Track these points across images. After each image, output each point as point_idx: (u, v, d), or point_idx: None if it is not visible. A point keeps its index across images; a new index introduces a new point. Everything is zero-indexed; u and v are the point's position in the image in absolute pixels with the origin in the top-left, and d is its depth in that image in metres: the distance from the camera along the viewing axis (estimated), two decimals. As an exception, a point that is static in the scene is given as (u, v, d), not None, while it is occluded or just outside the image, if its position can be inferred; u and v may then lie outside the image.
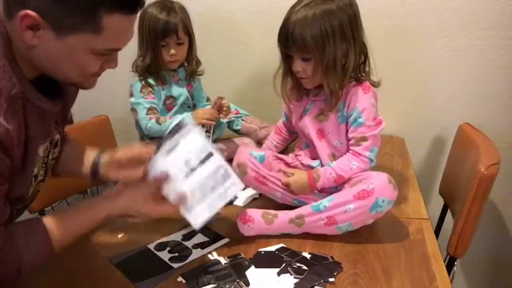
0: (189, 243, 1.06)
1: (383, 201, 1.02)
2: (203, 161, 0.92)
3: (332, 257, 0.99)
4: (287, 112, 1.32)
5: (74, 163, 1.06)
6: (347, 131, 1.15)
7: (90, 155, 1.07)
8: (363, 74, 1.14)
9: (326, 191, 1.15)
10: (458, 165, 1.47)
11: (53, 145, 0.93)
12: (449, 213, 1.51)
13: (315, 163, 1.20)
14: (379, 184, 1.03)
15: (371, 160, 1.13)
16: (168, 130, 0.97)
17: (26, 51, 0.77)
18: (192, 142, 0.93)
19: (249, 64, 1.80)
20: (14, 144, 0.74)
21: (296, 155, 1.27)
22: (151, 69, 1.49)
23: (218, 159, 0.92)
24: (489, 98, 1.69)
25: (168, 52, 1.46)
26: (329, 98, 1.12)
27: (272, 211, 1.09)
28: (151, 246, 1.06)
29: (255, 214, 1.08)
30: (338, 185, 1.14)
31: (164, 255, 1.02)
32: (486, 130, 1.42)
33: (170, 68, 1.51)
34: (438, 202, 1.61)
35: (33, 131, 0.81)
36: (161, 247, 1.05)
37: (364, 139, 1.12)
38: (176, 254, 1.02)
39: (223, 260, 0.98)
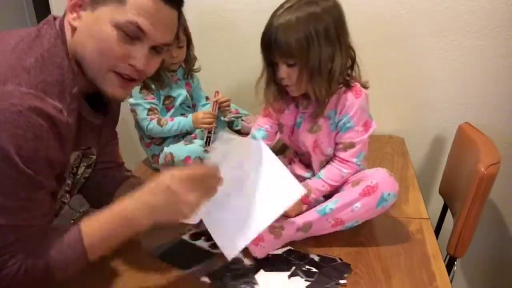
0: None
1: (389, 194, 1.02)
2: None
3: (340, 259, 0.99)
4: (269, 127, 1.23)
5: (105, 188, 1.05)
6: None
7: None
8: (351, 77, 1.11)
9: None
10: (458, 165, 1.47)
11: (87, 162, 0.95)
12: (449, 213, 1.51)
13: (307, 173, 1.20)
14: (382, 178, 1.03)
15: (359, 165, 1.12)
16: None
17: (72, 46, 0.81)
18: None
19: (249, 64, 1.78)
20: (69, 139, 0.79)
21: (290, 160, 1.26)
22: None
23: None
24: (489, 98, 1.69)
25: (170, 56, 1.46)
26: (314, 103, 1.10)
27: (276, 223, 1.01)
28: (186, 237, 1.07)
29: (263, 231, 0.99)
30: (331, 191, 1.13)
31: (202, 244, 1.04)
32: (486, 130, 1.42)
33: (171, 69, 1.52)
34: (438, 202, 1.61)
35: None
36: (195, 237, 1.07)
37: (352, 145, 1.11)
38: (214, 242, 1.05)
39: (247, 262, 0.98)
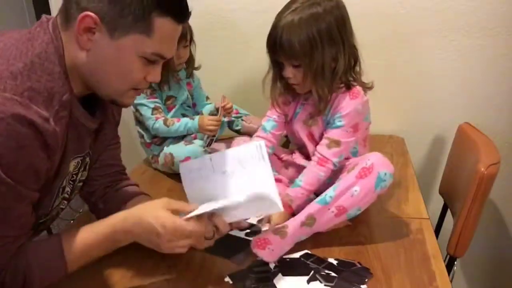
0: (250, 221, 1.10)
1: (385, 174, 1.02)
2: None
3: (359, 263, 0.97)
4: (276, 117, 1.24)
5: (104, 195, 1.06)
6: None
7: None
8: (353, 77, 1.13)
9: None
10: (458, 164, 1.47)
11: (84, 165, 0.94)
12: (449, 213, 1.51)
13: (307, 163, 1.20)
14: (376, 159, 1.04)
15: (335, 166, 1.12)
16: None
17: (77, 60, 0.79)
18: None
19: (249, 64, 1.80)
20: (57, 148, 0.77)
21: (291, 153, 1.27)
22: (162, 71, 1.49)
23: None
24: (489, 98, 1.69)
25: (178, 56, 1.47)
26: (317, 102, 1.11)
27: (279, 224, 1.04)
28: None
29: (267, 234, 1.01)
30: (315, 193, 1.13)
31: (238, 233, 1.06)
32: (486, 130, 1.42)
33: (177, 70, 1.52)
34: (438, 202, 1.61)
35: (70, 143, 0.83)
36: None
37: (338, 144, 1.11)
38: (248, 231, 1.07)
39: (272, 264, 0.97)
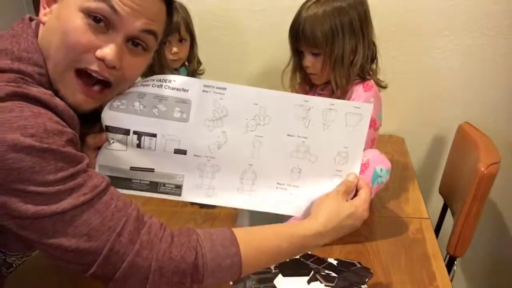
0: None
1: (381, 170, 1.04)
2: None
3: (359, 263, 0.97)
4: None
5: None
6: None
7: None
8: (370, 72, 1.15)
9: None
10: (458, 164, 1.47)
11: None
12: (449, 213, 1.51)
13: None
14: (373, 155, 1.05)
15: None
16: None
17: (40, 41, 0.71)
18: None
19: (249, 64, 1.79)
20: (75, 127, 0.69)
21: None
22: (154, 68, 1.49)
23: None
24: (489, 98, 1.69)
25: (171, 50, 1.46)
26: (334, 92, 1.14)
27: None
28: None
29: None
30: None
31: None
32: (486, 130, 1.42)
33: (172, 66, 1.51)
34: (438, 202, 1.61)
35: None
36: None
37: None
38: None
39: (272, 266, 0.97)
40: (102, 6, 0.67)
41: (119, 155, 0.79)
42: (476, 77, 1.68)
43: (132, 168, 0.80)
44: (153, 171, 0.80)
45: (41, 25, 0.73)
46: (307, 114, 0.79)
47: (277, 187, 0.82)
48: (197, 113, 0.78)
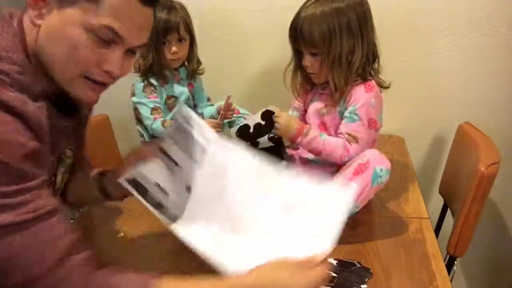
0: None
1: (381, 170, 1.04)
2: None
3: (359, 263, 0.97)
4: (297, 107, 1.34)
5: (86, 187, 0.99)
6: None
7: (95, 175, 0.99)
8: (371, 73, 1.16)
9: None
10: (458, 164, 1.47)
11: (64, 167, 0.91)
12: (449, 213, 1.51)
13: (310, 156, 1.21)
14: (373, 155, 1.06)
15: (346, 161, 1.12)
16: None
17: (32, 41, 0.74)
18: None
19: (249, 64, 1.79)
20: (44, 134, 0.71)
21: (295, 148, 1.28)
22: (154, 68, 1.49)
23: None
24: (489, 98, 1.69)
25: (170, 50, 1.46)
26: (333, 93, 1.15)
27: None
28: None
29: None
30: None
31: None
32: (486, 130, 1.42)
33: (171, 66, 1.52)
34: (438, 202, 1.61)
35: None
36: None
37: (355, 140, 1.12)
38: None
39: None
40: (105, 31, 0.72)
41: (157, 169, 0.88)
42: (476, 77, 1.68)
43: (156, 184, 0.86)
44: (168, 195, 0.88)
45: (31, 26, 0.74)
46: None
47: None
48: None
